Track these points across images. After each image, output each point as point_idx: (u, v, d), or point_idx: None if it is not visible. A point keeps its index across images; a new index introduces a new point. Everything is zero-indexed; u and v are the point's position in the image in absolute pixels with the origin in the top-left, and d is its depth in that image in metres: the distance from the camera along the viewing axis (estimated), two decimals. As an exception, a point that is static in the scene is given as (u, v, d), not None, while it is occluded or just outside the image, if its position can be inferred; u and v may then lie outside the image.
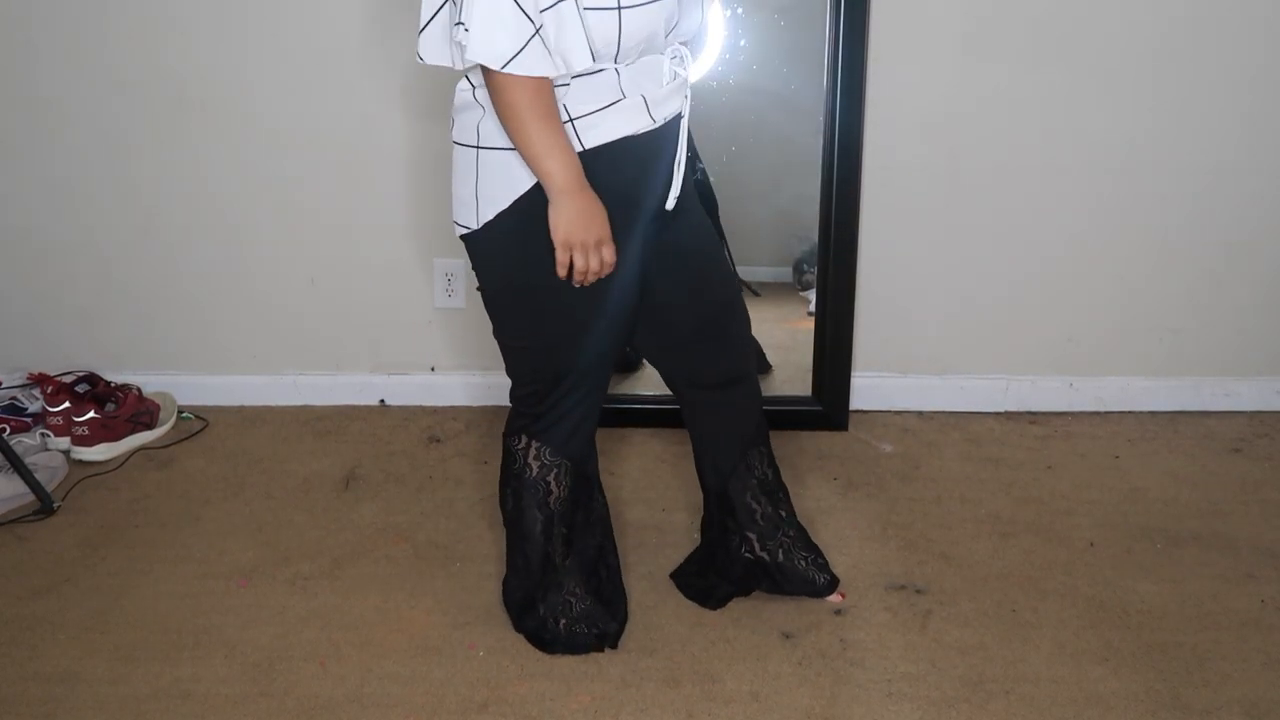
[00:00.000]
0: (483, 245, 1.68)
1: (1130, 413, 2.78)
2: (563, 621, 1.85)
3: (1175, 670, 1.82)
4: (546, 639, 1.85)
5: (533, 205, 1.60)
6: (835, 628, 1.92)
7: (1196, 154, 2.62)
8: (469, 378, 2.80)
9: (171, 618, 1.95)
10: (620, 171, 1.63)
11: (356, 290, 2.75)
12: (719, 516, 1.97)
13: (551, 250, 1.60)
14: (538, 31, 1.47)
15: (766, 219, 2.75)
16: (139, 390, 2.65)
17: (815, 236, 2.62)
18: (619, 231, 1.64)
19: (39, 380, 2.62)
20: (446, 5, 1.56)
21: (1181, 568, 2.11)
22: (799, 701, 1.74)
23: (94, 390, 2.59)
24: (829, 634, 1.90)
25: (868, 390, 2.76)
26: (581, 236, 1.57)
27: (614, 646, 1.86)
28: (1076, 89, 2.56)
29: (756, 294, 2.78)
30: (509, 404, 1.84)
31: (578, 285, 1.62)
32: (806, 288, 2.78)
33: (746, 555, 1.96)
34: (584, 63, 1.51)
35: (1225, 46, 2.54)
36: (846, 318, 2.64)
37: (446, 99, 2.58)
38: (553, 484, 1.80)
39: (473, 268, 1.73)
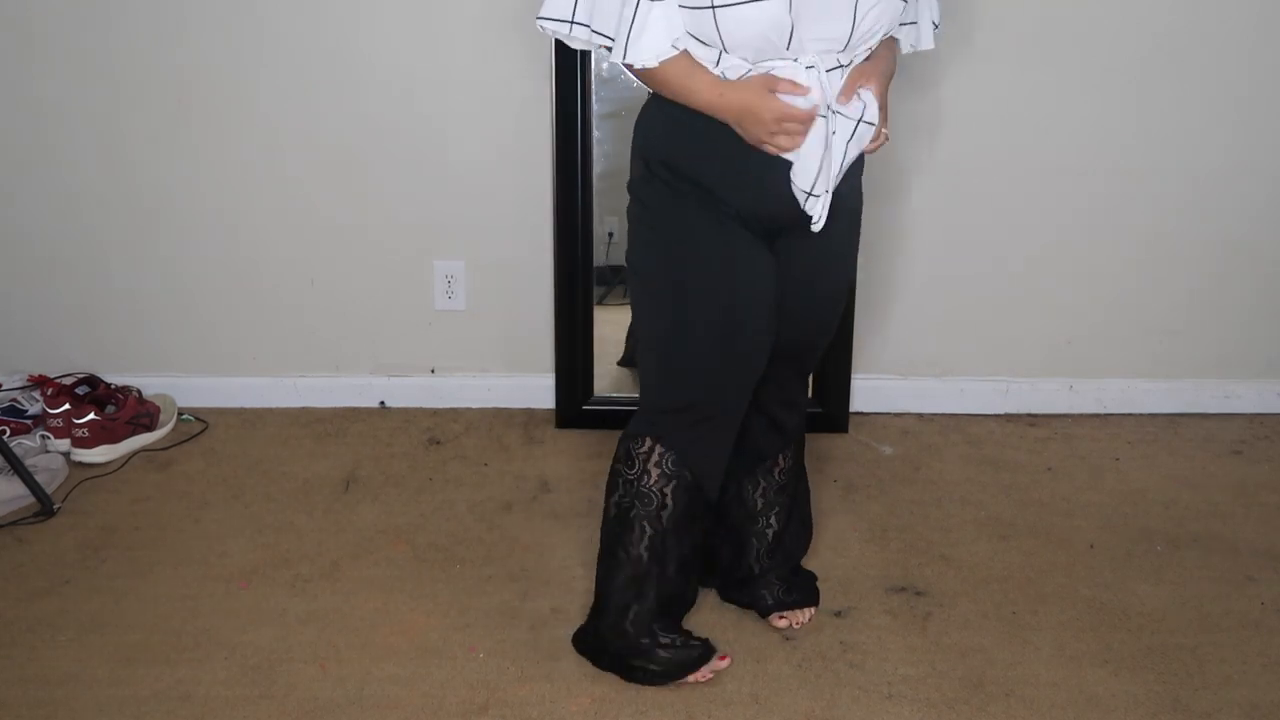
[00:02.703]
0: None
1: (1130, 415, 2.78)
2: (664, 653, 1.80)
3: (1175, 672, 1.82)
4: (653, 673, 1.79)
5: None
6: (835, 630, 1.92)
7: (1196, 156, 2.62)
8: (469, 380, 2.80)
9: (172, 620, 1.95)
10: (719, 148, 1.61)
11: (357, 292, 2.75)
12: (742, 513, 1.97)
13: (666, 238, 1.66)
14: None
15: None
16: (139, 392, 2.65)
17: (815, 238, 2.62)
18: (711, 220, 1.63)
19: (39, 382, 2.62)
20: None
21: (1181, 570, 2.11)
22: (799, 704, 1.74)
23: (94, 392, 2.59)
24: (829, 636, 1.90)
25: (868, 392, 2.76)
26: (755, 131, 1.56)
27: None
28: (1076, 90, 2.57)
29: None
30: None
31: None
32: (807, 290, 2.78)
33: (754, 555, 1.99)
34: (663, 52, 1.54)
35: (1225, 48, 2.54)
36: (847, 320, 2.64)
37: (446, 100, 2.60)
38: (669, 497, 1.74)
39: None
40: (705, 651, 1.81)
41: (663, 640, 1.79)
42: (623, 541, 1.76)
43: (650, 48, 1.53)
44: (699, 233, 1.64)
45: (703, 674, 1.79)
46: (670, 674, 1.78)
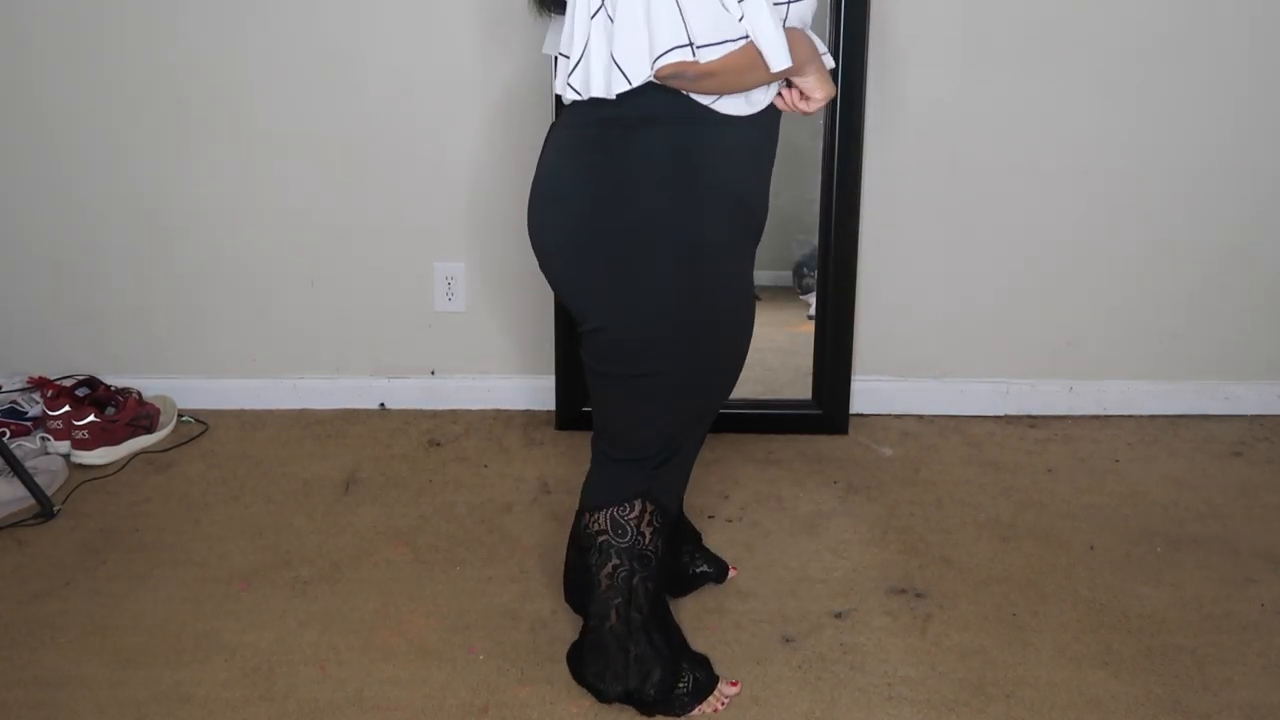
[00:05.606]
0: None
1: (1130, 416, 2.78)
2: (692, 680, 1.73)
3: (1175, 674, 1.82)
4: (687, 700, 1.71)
5: None
6: (835, 631, 1.92)
7: (1196, 157, 2.62)
8: (469, 381, 2.80)
9: (171, 621, 1.95)
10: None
11: (356, 293, 2.75)
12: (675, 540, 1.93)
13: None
14: None
15: (766, 222, 2.75)
16: (139, 394, 2.65)
17: (815, 239, 2.62)
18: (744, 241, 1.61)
19: (39, 384, 2.62)
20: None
21: (1182, 571, 2.11)
22: (799, 705, 1.74)
23: (94, 394, 2.59)
24: (829, 638, 1.90)
25: (868, 394, 2.76)
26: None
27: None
28: (1077, 92, 2.57)
29: (756, 298, 2.77)
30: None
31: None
32: (807, 291, 2.78)
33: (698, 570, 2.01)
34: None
35: (1224, 48, 2.54)
36: (847, 321, 2.64)
37: (446, 101, 2.60)
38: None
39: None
40: (710, 677, 1.74)
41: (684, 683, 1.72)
42: (634, 604, 1.66)
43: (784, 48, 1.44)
44: (732, 250, 1.57)
45: (713, 703, 1.72)
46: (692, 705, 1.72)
